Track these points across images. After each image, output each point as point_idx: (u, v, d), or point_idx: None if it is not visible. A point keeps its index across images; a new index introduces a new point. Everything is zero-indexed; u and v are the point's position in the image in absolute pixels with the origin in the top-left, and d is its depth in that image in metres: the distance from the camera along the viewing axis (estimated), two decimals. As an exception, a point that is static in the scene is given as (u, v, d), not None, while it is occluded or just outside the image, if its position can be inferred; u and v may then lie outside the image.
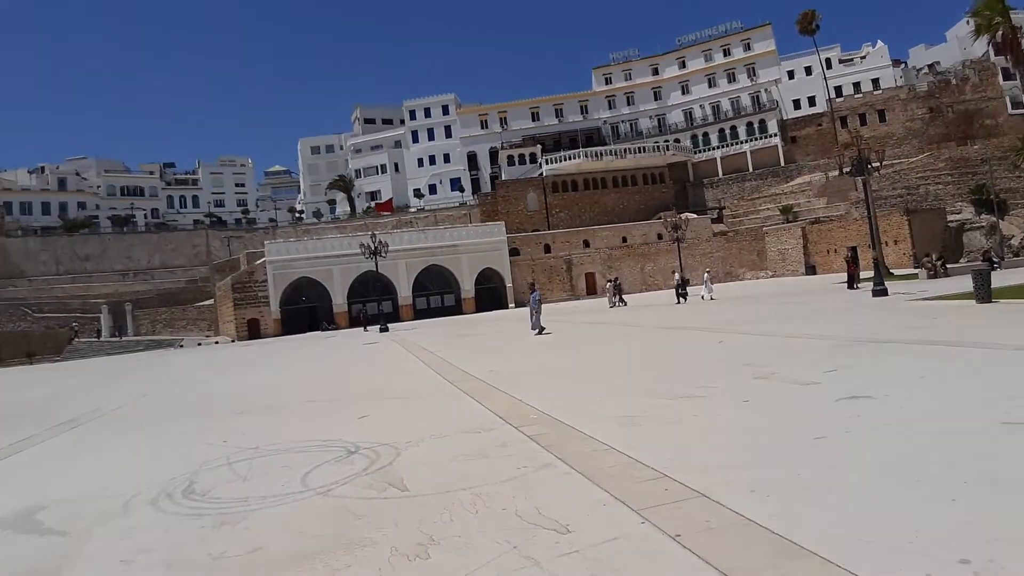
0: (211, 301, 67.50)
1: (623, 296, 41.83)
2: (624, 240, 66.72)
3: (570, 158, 76.40)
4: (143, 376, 26.43)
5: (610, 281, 43.78)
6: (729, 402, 8.65)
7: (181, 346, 55.70)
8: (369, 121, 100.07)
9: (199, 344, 56.61)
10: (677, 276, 39.06)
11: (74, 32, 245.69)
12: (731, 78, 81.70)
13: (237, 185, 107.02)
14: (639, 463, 6.11)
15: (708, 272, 40.80)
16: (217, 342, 57.21)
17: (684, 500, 5.04)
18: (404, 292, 58.68)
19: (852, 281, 31.72)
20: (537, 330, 24.64)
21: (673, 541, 4.28)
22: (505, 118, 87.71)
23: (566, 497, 5.42)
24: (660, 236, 63.50)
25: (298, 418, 11.17)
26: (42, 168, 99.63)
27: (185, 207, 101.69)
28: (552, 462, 6.51)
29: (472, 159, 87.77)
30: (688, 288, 37.75)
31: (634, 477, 5.75)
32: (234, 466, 7.81)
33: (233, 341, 55.44)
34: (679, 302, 35.82)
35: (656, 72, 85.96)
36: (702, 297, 36.32)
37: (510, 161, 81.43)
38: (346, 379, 17.31)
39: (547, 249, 65.69)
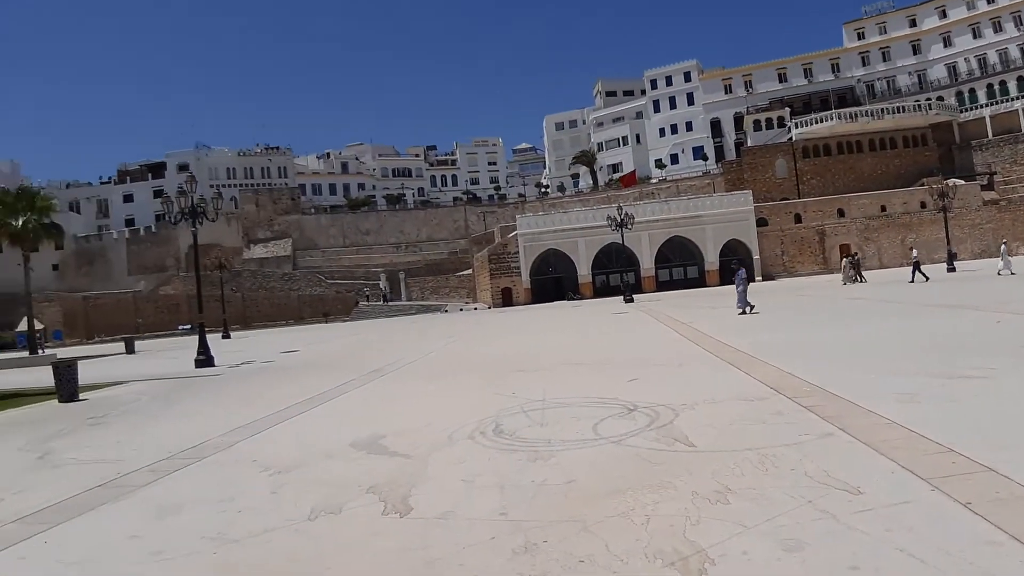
0: (470, 271, 72.65)
1: (861, 272, 39.06)
2: (883, 209, 60.72)
3: (821, 120, 70.53)
4: (421, 335, 29.62)
5: (847, 257, 40.77)
6: (1013, 384, 8.09)
7: (446, 311, 60.85)
8: (610, 94, 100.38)
9: (460, 309, 61.45)
10: (915, 252, 35.93)
11: (350, 30, 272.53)
12: (997, 27, 70.52)
13: (490, 163, 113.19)
14: (923, 437, 6.07)
15: (1004, 243, 36.57)
16: (476, 308, 61.67)
17: (972, 473, 5.02)
18: (647, 264, 58.74)
19: None
20: (742, 308, 22.71)
21: (964, 508, 4.35)
22: (750, 81, 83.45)
23: (852, 463, 5.57)
24: (923, 205, 57.32)
25: (571, 377, 12.11)
26: (327, 154, 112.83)
27: (446, 185, 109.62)
28: (833, 432, 6.65)
29: (715, 126, 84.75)
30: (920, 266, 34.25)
31: (920, 449, 5.76)
32: (529, 414, 8.84)
33: (489, 308, 59.40)
34: (914, 280, 32.50)
35: (914, 24, 76.36)
36: (999, 272, 32.26)
37: (756, 126, 77.45)
38: (606, 345, 18.16)
39: (797, 219, 61.50)
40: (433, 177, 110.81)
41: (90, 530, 5.74)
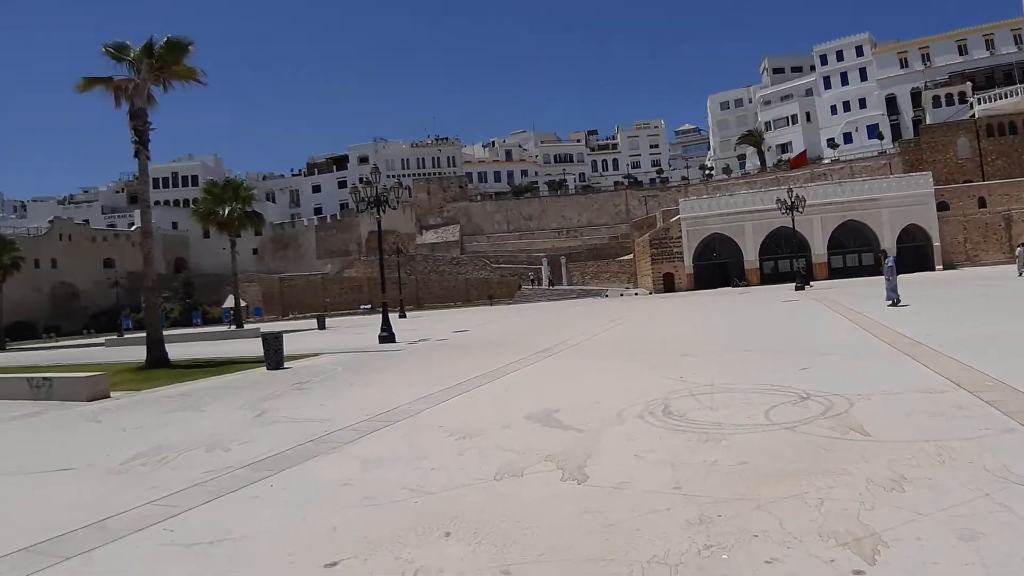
0: (630, 256, 72.10)
1: None
2: (1081, 193, 53.37)
3: (1006, 96, 63.33)
4: (584, 318, 29.98)
5: (1021, 245, 36.21)
6: None
7: (606, 295, 60.89)
8: (778, 71, 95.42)
9: (621, 295, 61.24)
10: None
11: (516, 20, 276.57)
12: None
13: (651, 146, 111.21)
14: (1118, 440, 5.61)
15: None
16: (636, 293, 61.22)
17: None
18: (819, 249, 55.45)
19: None
20: (891, 300, 21.15)
21: None
22: (927, 55, 76.34)
23: (1036, 460, 5.28)
24: None
25: (739, 364, 11.94)
26: (492, 142, 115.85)
27: (607, 170, 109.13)
28: (1015, 427, 6.22)
29: (891, 103, 78.37)
30: None
31: (1115, 453, 5.34)
32: (697, 397, 8.89)
33: (650, 293, 58.75)
34: None
35: (1105, -11, 66.31)
36: None
37: (935, 102, 70.76)
38: (776, 333, 17.58)
39: (981, 203, 55.28)
40: (594, 162, 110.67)
41: (308, 477, 6.57)
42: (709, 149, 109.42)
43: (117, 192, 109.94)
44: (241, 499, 5.99)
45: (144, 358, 21.70)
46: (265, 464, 7.12)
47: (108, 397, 14.02)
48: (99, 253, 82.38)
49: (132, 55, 22.00)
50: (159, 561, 4.63)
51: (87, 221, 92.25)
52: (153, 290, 23.65)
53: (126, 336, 48.11)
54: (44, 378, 14.82)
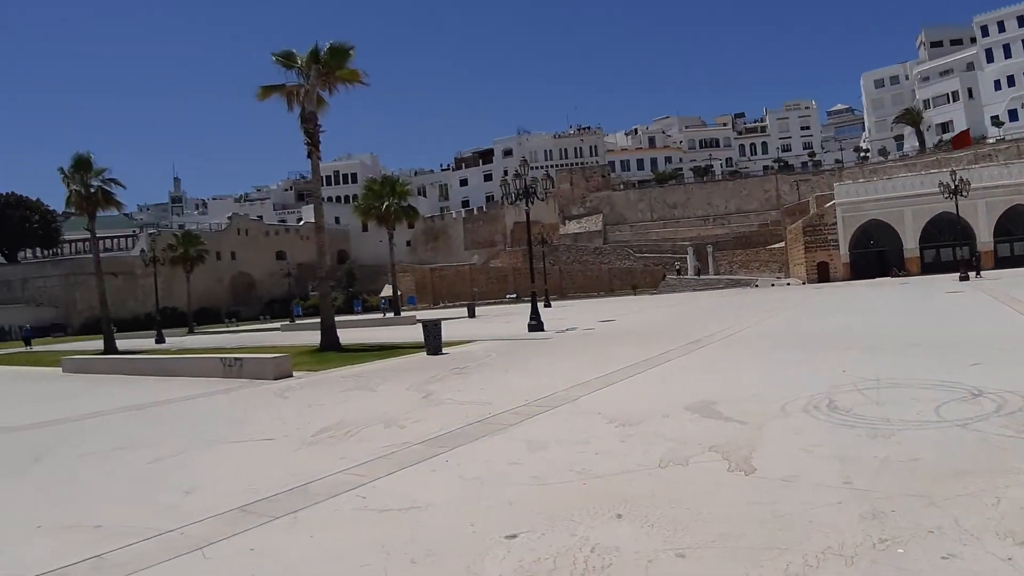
0: (781, 244, 68.90)
1: None
2: None
3: None
4: (735, 309, 29.13)
5: None
6: None
7: (756, 286, 58.62)
8: (935, 44, 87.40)
9: (772, 284, 58.76)
10: None
11: (654, 4, 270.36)
12: None
13: (802, 128, 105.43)
14: None
15: None
16: (788, 283, 58.53)
17: None
18: (984, 237, 50.29)
19: None
20: None
21: None
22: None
23: None
24: None
25: (904, 358, 11.22)
26: (635, 130, 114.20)
27: (755, 154, 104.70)
28: None
29: (1063, 75, 69.80)
30: None
31: None
32: (864, 392, 8.50)
33: (803, 283, 55.95)
34: None
35: None
36: None
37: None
38: (941, 326, 16.38)
39: None
40: (741, 146, 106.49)
41: (478, 454, 6.95)
42: (864, 130, 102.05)
43: (286, 190, 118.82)
44: (421, 472, 6.46)
45: (316, 342, 23.47)
46: (438, 441, 7.60)
47: (291, 376, 15.34)
48: (272, 246, 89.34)
49: (300, 62, 23.61)
50: (356, 524, 5.12)
51: (260, 217, 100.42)
52: (325, 280, 25.47)
53: (297, 322, 51.97)
54: (235, 358, 16.45)
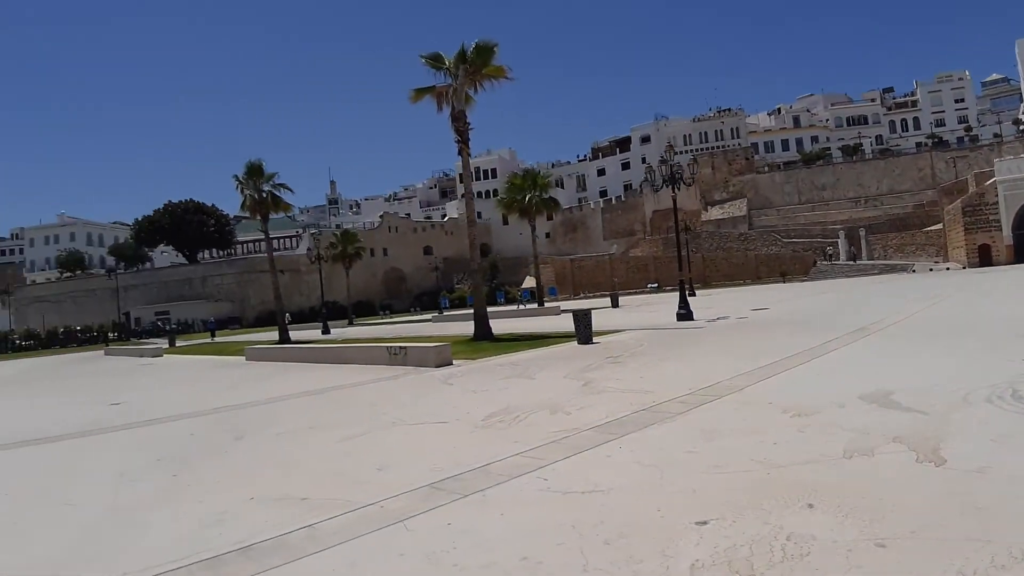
0: (939, 226, 63.35)
1: None
2: None
3: None
4: (895, 296, 27.18)
5: None
6: None
7: (913, 271, 54.34)
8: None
9: (930, 269, 54.29)
10: None
11: None
12: None
13: (956, 101, 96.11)
14: None
15: None
16: (948, 268, 53.80)
17: None
18: None
19: None
20: None
21: None
22: None
23: None
24: None
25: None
26: (778, 109, 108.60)
27: (906, 130, 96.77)
28: None
29: None
30: None
31: None
32: (1054, 382, 7.75)
33: (963, 268, 51.24)
34: None
35: None
36: None
37: None
38: None
39: None
40: (892, 122, 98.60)
41: (651, 442, 6.93)
42: (1022, 100, 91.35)
43: (431, 188, 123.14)
44: (596, 457, 6.54)
45: (464, 332, 24.20)
46: (607, 428, 7.66)
47: (451, 364, 15.95)
48: (419, 242, 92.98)
49: (447, 63, 24.27)
50: (542, 504, 5.28)
51: (408, 214, 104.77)
52: (477, 272, 26.22)
53: (446, 313, 53.81)
54: (400, 347, 17.30)
